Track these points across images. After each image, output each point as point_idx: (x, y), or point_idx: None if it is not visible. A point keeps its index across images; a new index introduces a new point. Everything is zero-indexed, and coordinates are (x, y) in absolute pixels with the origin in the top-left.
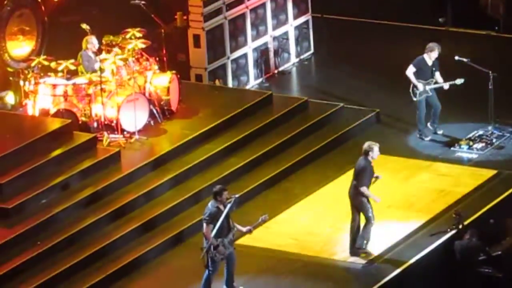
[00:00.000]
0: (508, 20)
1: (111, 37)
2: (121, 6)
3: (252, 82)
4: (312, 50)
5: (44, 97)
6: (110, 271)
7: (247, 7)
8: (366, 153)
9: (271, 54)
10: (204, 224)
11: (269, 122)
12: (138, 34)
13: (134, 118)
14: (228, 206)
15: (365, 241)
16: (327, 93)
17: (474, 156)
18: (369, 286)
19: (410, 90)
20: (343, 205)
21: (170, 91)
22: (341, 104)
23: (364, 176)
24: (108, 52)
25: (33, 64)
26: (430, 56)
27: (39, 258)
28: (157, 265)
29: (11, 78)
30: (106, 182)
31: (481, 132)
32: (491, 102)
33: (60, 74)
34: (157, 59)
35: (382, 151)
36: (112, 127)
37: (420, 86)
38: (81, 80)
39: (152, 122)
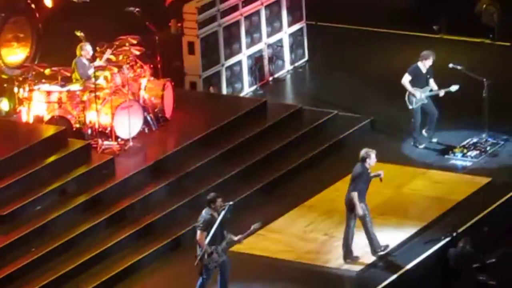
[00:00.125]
0: (502, 27)
1: (105, 45)
2: (116, 13)
3: (247, 89)
4: (306, 58)
5: (38, 104)
6: (105, 277)
7: (241, 14)
8: (364, 159)
9: (266, 62)
10: (198, 232)
11: (263, 129)
12: (133, 41)
13: (128, 125)
14: (222, 213)
15: (375, 242)
16: (321, 100)
17: (468, 163)
18: None
19: (406, 98)
20: (338, 212)
21: (164, 98)
22: (335, 112)
23: (359, 182)
24: (102, 58)
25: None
26: (425, 64)
27: (33, 264)
28: (152, 271)
29: (5, 85)
30: (101, 188)
31: (475, 140)
32: (486, 110)
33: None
34: (152, 66)
35: (376, 158)
36: (106, 134)
37: (417, 94)
38: (75, 87)
39: (146, 129)
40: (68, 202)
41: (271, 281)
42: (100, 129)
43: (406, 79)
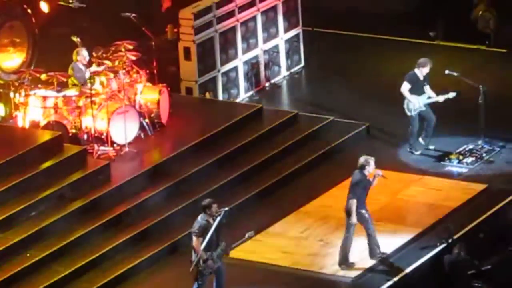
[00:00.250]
0: (498, 34)
1: (101, 50)
2: (112, 19)
3: (243, 95)
4: (302, 64)
5: (34, 109)
6: (100, 283)
7: (237, 20)
8: (363, 167)
9: (262, 67)
10: (194, 237)
11: (259, 135)
12: (129, 46)
13: (124, 131)
14: (218, 219)
15: (378, 249)
16: (317, 106)
17: (464, 170)
18: None
19: (405, 106)
20: (333, 218)
21: (161, 104)
22: (332, 118)
23: (358, 189)
24: (99, 64)
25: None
26: (422, 71)
27: (29, 270)
28: (148, 276)
29: (1, 90)
30: (96, 194)
31: (471, 146)
32: (482, 117)
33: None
34: (148, 71)
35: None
36: (102, 139)
37: (416, 102)
38: (71, 92)
39: (142, 135)
40: (64, 207)
41: (267, 287)
42: (96, 135)
43: (405, 87)
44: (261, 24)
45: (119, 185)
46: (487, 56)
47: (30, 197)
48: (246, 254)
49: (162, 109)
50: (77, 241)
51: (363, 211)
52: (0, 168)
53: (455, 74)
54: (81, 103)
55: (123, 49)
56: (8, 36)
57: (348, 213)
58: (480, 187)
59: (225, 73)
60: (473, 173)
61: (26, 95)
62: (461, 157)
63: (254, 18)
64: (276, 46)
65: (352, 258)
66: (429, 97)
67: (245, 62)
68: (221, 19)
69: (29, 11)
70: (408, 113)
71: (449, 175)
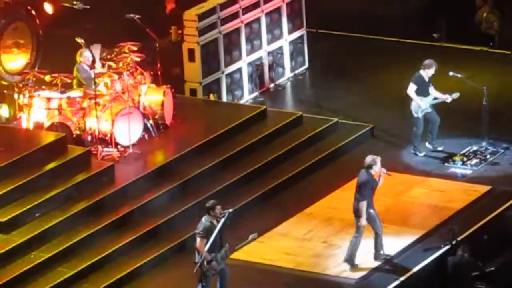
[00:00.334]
0: (502, 36)
1: (105, 51)
2: (116, 20)
3: (247, 96)
4: (306, 65)
5: (38, 111)
6: (104, 284)
7: (242, 21)
8: (370, 167)
9: (266, 69)
10: (198, 239)
11: (263, 136)
12: (133, 48)
13: (128, 132)
14: (222, 220)
15: (381, 251)
16: (321, 108)
17: (468, 172)
18: None
19: (412, 108)
20: (337, 220)
21: (165, 105)
22: (336, 119)
23: (366, 189)
24: (103, 66)
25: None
26: (427, 73)
27: (33, 271)
28: (152, 277)
29: (5, 91)
30: (100, 195)
31: (475, 148)
32: (485, 118)
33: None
34: (152, 73)
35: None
36: (106, 140)
37: (423, 103)
38: (75, 93)
39: (146, 136)
40: (68, 208)
41: None
42: (100, 136)
43: (412, 89)
44: (265, 25)
45: (123, 187)
46: (491, 57)
47: (34, 199)
48: (249, 256)
49: (166, 110)
50: (81, 242)
51: (371, 210)
52: (4, 169)
53: (459, 75)
54: (85, 105)
55: (127, 51)
56: (12, 37)
57: (357, 214)
58: (484, 188)
59: (229, 75)
60: (477, 174)
61: (30, 97)
62: (465, 159)
63: (258, 20)
64: (280, 48)
65: (356, 260)
66: (435, 98)
67: (249, 64)
68: (225, 20)
69: (33, 12)
70: (415, 115)
71: (453, 177)
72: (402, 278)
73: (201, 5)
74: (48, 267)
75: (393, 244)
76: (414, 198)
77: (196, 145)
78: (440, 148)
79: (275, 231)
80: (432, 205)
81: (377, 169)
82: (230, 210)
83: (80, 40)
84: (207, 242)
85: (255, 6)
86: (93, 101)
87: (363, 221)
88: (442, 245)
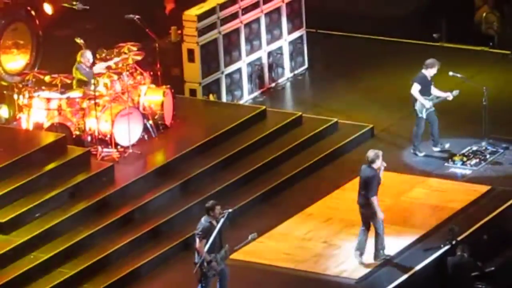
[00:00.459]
0: (502, 36)
1: (105, 52)
2: (116, 21)
3: (246, 97)
4: (306, 65)
5: (38, 111)
6: (104, 284)
7: (241, 22)
8: (373, 161)
9: (265, 69)
10: (197, 239)
11: (263, 137)
12: (133, 48)
13: (128, 132)
14: (221, 221)
15: (381, 251)
16: (321, 108)
17: (467, 172)
18: None
19: (416, 108)
20: (337, 220)
21: (164, 106)
22: (335, 119)
23: (373, 185)
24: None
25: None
26: (430, 72)
27: (33, 272)
28: (152, 278)
29: (5, 92)
30: (100, 196)
31: (475, 148)
32: (485, 118)
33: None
34: (151, 73)
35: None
36: (106, 141)
37: (427, 103)
38: (75, 94)
39: (146, 137)
40: (68, 209)
41: None
42: (99, 136)
43: (416, 89)
44: (264, 25)
45: (123, 187)
46: (491, 57)
47: (34, 199)
48: (249, 256)
49: (166, 111)
50: (81, 242)
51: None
52: (4, 170)
53: (459, 76)
54: (85, 105)
55: (126, 51)
56: (12, 38)
57: (365, 211)
58: (484, 188)
59: (229, 75)
60: (477, 174)
61: (30, 97)
62: (465, 159)
63: (257, 20)
64: (280, 48)
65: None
66: (437, 97)
67: (249, 64)
68: (224, 20)
69: (33, 13)
70: (420, 115)
71: (453, 177)
72: (402, 278)
73: (200, 5)
74: (49, 267)
75: (393, 244)
76: (414, 198)
77: (196, 145)
78: (447, 145)
79: (275, 231)
80: (432, 205)
81: (379, 163)
82: (230, 210)
83: (79, 41)
84: (206, 242)
85: (254, 6)
86: (92, 101)
87: (381, 214)
88: (442, 245)
